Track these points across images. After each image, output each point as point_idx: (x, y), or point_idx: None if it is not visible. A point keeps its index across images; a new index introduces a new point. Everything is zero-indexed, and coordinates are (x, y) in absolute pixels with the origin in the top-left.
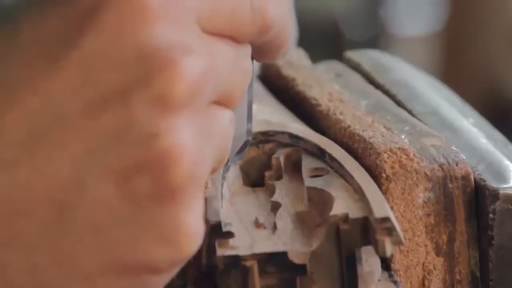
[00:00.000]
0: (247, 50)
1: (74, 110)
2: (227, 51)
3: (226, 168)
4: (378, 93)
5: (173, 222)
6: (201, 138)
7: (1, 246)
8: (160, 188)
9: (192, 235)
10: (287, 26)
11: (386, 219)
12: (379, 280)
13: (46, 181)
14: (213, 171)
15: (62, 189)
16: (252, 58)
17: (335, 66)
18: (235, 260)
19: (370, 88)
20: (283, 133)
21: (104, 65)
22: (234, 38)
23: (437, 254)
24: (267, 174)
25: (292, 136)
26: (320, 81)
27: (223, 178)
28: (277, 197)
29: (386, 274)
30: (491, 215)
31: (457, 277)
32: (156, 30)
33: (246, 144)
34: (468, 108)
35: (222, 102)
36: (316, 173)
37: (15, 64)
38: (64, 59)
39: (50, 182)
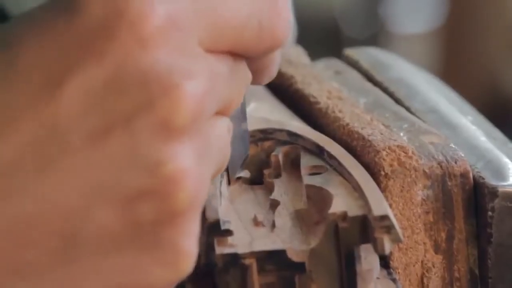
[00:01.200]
0: (244, 63)
1: (77, 138)
2: (227, 65)
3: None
4: (377, 90)
5: (173, 246)
6: (202, 159)
7: (10, 276)
8: (163, 214)
9: (189, 256)
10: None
11: (384, 217)
12: (378, 278)
13: (53, 210)
14: (212, 178)
15: (68, 218)
16: None
17: (334, 63)
18: (234, 258)
19: (369, 85)
20: (281, 131)
21: (106, 92)
22: (240, 55)
23: (436, 252)
24: (265, 172)
25: (290, 134)
26: (319, 79)
27: (222, 176)
28: (276, 195)
29: (385, 271)
30: (490, 213)
31: (456, 274)
32: (157, 56)
33: (246, 158)
34: (467, 106)
35: (220, 112)
36: (315, 171)
37: (16, 90)
38: (66, 87)
39: (56, 212)
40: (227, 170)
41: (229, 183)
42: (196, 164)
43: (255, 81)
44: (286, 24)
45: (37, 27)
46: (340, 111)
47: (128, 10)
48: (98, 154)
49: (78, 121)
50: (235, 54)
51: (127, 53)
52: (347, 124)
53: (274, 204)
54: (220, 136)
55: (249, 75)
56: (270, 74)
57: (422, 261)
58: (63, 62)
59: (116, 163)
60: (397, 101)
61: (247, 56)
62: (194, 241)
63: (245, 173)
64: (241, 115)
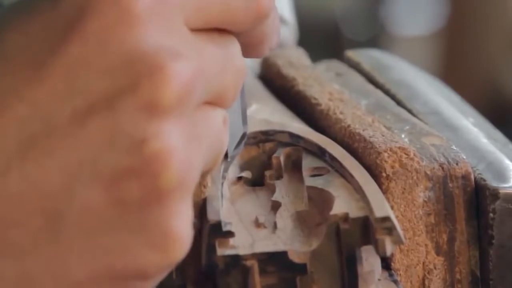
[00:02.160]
0: (237, 48)
1: (61, 117)
2: (217, 50)
3: (226, 167)
4: (378, 92)
5: (161, 228)
6: (190, 142)
7: None
8: (148, 193)
9: (180, 240)
10: (275, 18)
11: (386, 219)
12: (379, 279)
13: (37, 189)
14: (207, 171)
15: (52, 197)
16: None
17: (335, 65)
18: (235, 260)
19: (370, 87)
20: (283, 132)
21: (90, 72)
22: (228, 30)
23: (437, 254)
24: (267, 173)
25: (292, 135)
26: (320, 81)
27: (223, 177)
28: (277, 196)
29: (386, 273)
30: (491, 215)
31: (458, 276)
32: (143, 35)
33: (243, 136)
34: (468, 108)
35: (214, 102)
36: (316, 173)
37: (1, 70)
38: (50, 67)
39: (40, 190)
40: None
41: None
42: (183, 145)
43: (254, 54)
44: None
45: (23, 13)
46: (341, 113)
47: None
48: (82, 133)
49: (61, 101)
50: (224, 32)
51: (112, 32)
52: (349, 126)
53: (275, 206)
54: (214, 125)
55: (242, 63)
56: (270, 44)
57: (423, 263)
58: (47, 43)
59: (100, 142)
60: (399, 103)
61: (236, 30)
62: (185, 223)
63: (247, 174)
64: (240, 111)
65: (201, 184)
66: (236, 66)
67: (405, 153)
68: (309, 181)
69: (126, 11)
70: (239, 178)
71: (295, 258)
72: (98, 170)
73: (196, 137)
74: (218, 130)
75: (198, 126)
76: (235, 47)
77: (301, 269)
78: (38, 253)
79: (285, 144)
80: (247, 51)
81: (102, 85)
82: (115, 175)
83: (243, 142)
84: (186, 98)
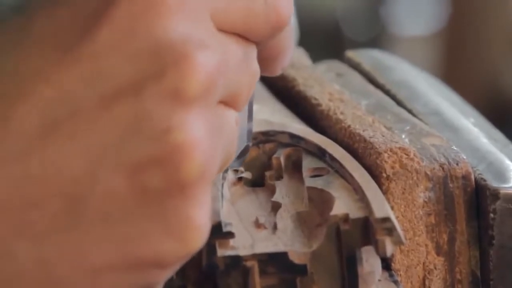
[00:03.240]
0: (254, 52)
1: (87, 102)
2: (238, 50)
3: (226, 168)
4: (379, 92)
5: (182, 217)
6: (212, 134)
7: (12, 237)
8: (171, 182)
9: (200, 230)
10: (290, 35)
11: (386, 219)
12: (379, 280)
13: (58, 173)
14: (219, 170)
15: (74, 181)
16: None
17: (335, 65)
18: (236, 261)
19: (371, 87)
20: (283, 133)
21: (118, 57)
22: (247, 36)
23: (438, 254)
24: (267, 174)
25: (292, 136)
26: (321, 81)
27: (223, 178)
28: (277, 197)
29: (386, 274)
30: (491, 215)
31: (458, 276)
32: (171, 24)
33: (246, 149)
34: (468, 108)
35: (229, 102)
36: (317, 173)
37: (28, 54)
38: (78, 51)
39: (62, 174)
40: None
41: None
42: (206, 137)
43: (268, 69)
44: (288, 2)
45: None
46: (341, 113)
47: None
48: (107, 118)
49: (86, 86)
50: (246, 39)
51: (140, 19)
52: (349, 126)
53: (275, 206)
54: (229, 126)
55: (257, 69)
56: (283, 63)
57: (423, 263)
58: (75, 27)
59: (125, 128)
60: (399, 103)
61: (255, 38)
62: (205, 214)
63: (247, 175)
64: (247, 116)
65: None
66: (252, 70)
67: (405, 154)
68: (309, 182)
69: (154, 0)
70: (239, 179)
71: (295, 259)
72: (121, 157)
73: (217, 131)
74: (232, 130)
75: (219, 121)
76: (253, 52)
77: (301, 270)
78: (56, 237)
79: (285, 145)
80: (260, 66)
81: (129, 71)
82: (139, 163)
83: (247, 155)
84: (210, 89)
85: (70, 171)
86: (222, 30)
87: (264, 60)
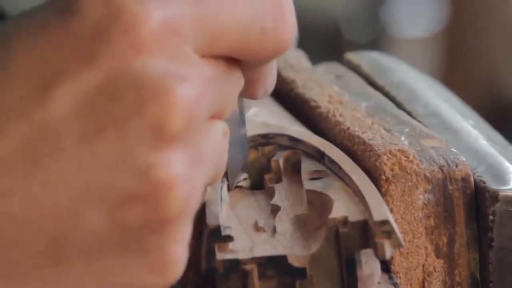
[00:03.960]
0: (238, 71)
1: (68, 139)
2: (224, 73)
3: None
4: (378, 94)
5: (161, 252)
6: (195, 165)
7: None
8: (152, 219)
9: (177, 263)
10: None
11: (385, 222)
12: (379, 282)
13: (41, 211)
14: (210, 184)
15: (56, 220)
16: None
17: (335, 67)
18: (235, 264)
19: (370, 89)
20: (282, 135)
21: (99, 95)
22: (243, 61)
23: (437, 256)
24: (266, 176)
25: (291, 138)
26: (320, 83)
27: (222, 181)
28: (276, 200)
29: (386, 276)
30: (491, 217)
31: (457, 279)
32: (150, 60)
33: (245, 165)
34: (468, 110)
35: (215, 116)
36: (316, 176)
37: (8, 90)
38: (59, 88)
39: (44, 213)
40: (226, 176)
41: (228, 189)
42: (188, 170)
43: (249, 92)
44: (291, 27)
45: (32, 29)
46: (341, 115)
47: (124, 14)
48: (88, 156)
49: (69, 123)
50: (231, 58)
51: (121, 56)
52: (348, 129)
53: (274, 209)
54: (215, 141)
55: (242, 79)
56: (266, 88)
57: (423, 266)
58: (56, 63)
59: (106, 166)
60: (398, 105)
61: (250, 60)
62: (183, 248)
63: (246, 183)
64: (239, 120)
65: None
66: (237, 82)
67: (404, 156)
68: (308, 185)
69: (135, 37)
70: (238, 186)
71: (294, 262)
72: (103, 194)
73: (199, 159)
74: (219, 143)
75: (202, 145)
76: (238, 74)
77: (300, 273)
78: (40, 274)
79: (284, 147)
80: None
81: (111, 109)
82: (121, 199)
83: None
84: (192, 121)
85: (52, 209)
86: (208, 56)
87: (246, 83)
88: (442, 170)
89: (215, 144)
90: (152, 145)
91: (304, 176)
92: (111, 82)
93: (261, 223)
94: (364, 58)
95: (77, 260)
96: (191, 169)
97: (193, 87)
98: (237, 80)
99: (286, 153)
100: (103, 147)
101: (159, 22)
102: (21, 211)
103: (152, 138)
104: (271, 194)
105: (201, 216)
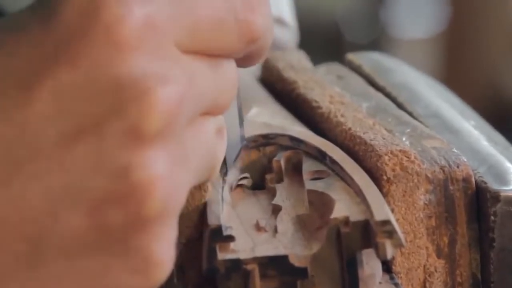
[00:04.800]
0: (230, 62)
1: (48, 140)
2: (208, 68)
3: (226, 171)
4: (379, 95)
5: (144, 253)
6: (177, 165)
7: None
8: (132, 220)
9: (161, 264)
10: (269, 32)
11: (386, 222)
12: (380, 282)
13: (20, 214)
14: (204, 182)
15: (35, 222)
16: None
17: (336, 68)
18: (236, 264)
19: (371, 90)
20: (283, 135)
21: (78, 96)
22: (219, 53)
23: (438, 257)
24: (267, 177)
25: (292, 138)
26: (321, 83)
27: (224, 181)
28: (278, 200)
29: (387, 276)
30: (492, 217)
31: (459, 279)
32: (131, 60)
33: (240, 150)
34: (469, 110)
35: (208, 112)
36: (317, 176)
37: None
38: (38, 89)
39: (24, 215)
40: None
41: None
42: (169, 170)
43: (246, 63)
44: (263, 15)
45: (13, 32)
46: (342, 116)
47: (104, 14)
48: (67, 158)
49: (48, 124)
50: (219, 55)
51: (101, 57)
52: (349, 129)
53: (276, 209)
54: (205, 139)
55: (234, 70)
56: (260, 57)
57: (424, 266)
58: (35, 65)
59: (85, 168)
60: (400, 105)
61: (230, 54)
62: (167, 248)
63: (247, 182)
64: (238, 120)
65: (202, 188)
66: (229, 77)
67: (406, 156)
68: (309, 185)
69: (116, 36)
70: (239, 186)
71: (295, 262)
72: (82, 195)
73: (183, 158)
74: (210, 142)
75: (187, 144)
76: (228, 61)
77: (302, 273)
78: (20, 276)
79: (286, 148)
80: (241, 63)
81: (90, 110)
82: (99, 201)
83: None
84: (172, 123)
85: (31, 212)
86: (190, 51)
87: (240, 60)
88: (443, 171)
89: (206, 142)
90: (130, 146)
91: (306, 176)
92: (91, 83)
93: (262, 223)
94: (365, 59)
95: (57, 261)
96: (174, 169)
97: (174, 86)
98: (227, 73)
99: (287, 153)
100: (81, 149)
101: (139, 20)
102: (0, 213)
103: (130, 139)
104: (272, 194)
105: (201, 217)
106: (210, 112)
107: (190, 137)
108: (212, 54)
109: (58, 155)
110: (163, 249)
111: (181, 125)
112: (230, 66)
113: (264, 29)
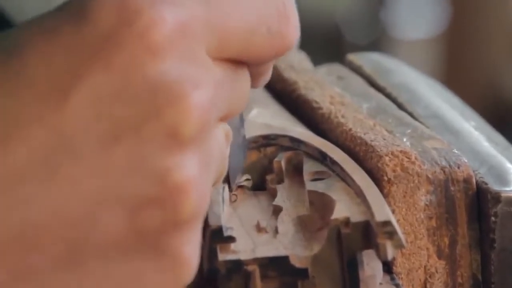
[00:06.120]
0: (246, 71)
1: (86, 144)
2: (233, 75)
3: (227, 174)
4: (380, 96)
5: (175, 254)
6: (206, 168)
7: (15, 281)
8: (168, 221)
9: (191, 265)
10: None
11: (387, 223)
12: (381, 283)
13: (59, 218)
14: (214, 185)
15: (74, 226)
16: None
17: (336, 68)
18: (237, 265)
19: (372, 91)
20: (284, 136)
21: (115, 99)
22: (249, 62)
23: (439, 257)
24: (268, 177)
25: (293, 139)
26: (322, 84)
27: (224, 182)
28: (278, 200)
29: (388, 277)
30: (493, 218)
31: (459, 280)
32: (165, 65)
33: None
34: (469, 111)
35: (222, 118)
36: (318, 177)
37: (23, 99)
38: (75, 94)
39: (63, 219)
40: (227, 178)
41: (230, 190)
42: (201, 173)
43: (252, 85)
44: (295, 28)
45: (45, 35)
46: (343, 117)
47: (138, 19)
48: (106, 161)
49: (86, 129)
50: (240, 61)
51: (136, 62)
52: (350, 130)
53: (276, 210)
54: (219, 142)
55: (249, 82)
56: (266, 78)
57: (425, 267)
58: (71, 70)
59: (124, 171)
60: (400, 106)
61: (256, 62)
62: (196, 249)
63: (248, 183)
64: (239, 122)
65: None
66: (245, 88)
67: (406, 157)
68: (310, 186)
69: (149, 41)
70: (240, 187)
71: (296, 262)
72: (121, 198)
73: (209, 162)
74: (222, 146)
75: (210, 149)
76: (246, 71)
77: (302, 273)
78: (57, 279)
79: (286, 148)
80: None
81: (127, 113)
82: (138, 204)
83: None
84: (205, 125)
85: (70, 215)
86: (219, 58)
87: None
88: (444, 171)
89: (220, 147)
90: (168, 149)
91: (306, 177)
92: (126, 87)
93: (263, 224)
94: (366, 60)
95: (95, 264)
96: (203, 171)
97: (206, 91)
98: (244, 83)
99: (288, 154)
100: (120, 152)
101: (173, 25)
102: (40, 217)
103: (168, 142)
104: (273, 195)
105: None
106: (223, 118)
107: (212, 143)
108: (239, 62)
109: (96, 159)
110: (193, 250)
111: (210, 129)
112: (246, 74)
113: (296, 39)
